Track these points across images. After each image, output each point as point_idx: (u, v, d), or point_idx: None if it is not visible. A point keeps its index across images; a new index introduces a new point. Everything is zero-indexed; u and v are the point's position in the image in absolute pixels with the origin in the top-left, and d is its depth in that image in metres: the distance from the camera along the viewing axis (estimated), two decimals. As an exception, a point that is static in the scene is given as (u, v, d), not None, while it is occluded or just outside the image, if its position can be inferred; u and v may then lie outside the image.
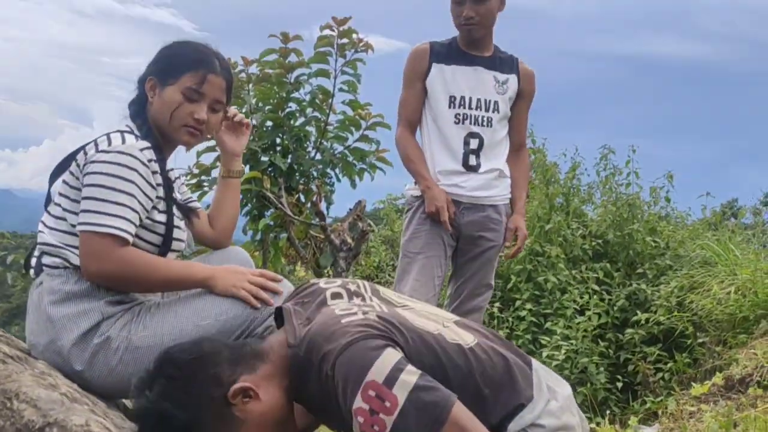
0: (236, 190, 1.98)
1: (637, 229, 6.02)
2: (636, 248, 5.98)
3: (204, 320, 1.61)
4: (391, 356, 1.29)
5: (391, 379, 1.25)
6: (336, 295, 1.48)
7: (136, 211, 1.60)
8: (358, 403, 1.25)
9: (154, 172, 1.66)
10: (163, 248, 1.70)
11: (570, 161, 6.88)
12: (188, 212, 1.82)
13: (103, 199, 1.57)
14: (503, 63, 2.60)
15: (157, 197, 1.68)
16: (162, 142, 1.76)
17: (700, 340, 4.53)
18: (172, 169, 1.84)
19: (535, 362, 1.53)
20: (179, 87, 1.72)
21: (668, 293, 5.19)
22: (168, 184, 1.72)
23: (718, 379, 3.01)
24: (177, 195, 1.82)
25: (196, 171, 4.56)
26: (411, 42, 2.69)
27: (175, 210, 1.73)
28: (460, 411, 1.28)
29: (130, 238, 1.59)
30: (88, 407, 1.12)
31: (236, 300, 1.63)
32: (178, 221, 1.74)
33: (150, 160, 1.66)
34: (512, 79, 2.59)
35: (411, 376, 1.27)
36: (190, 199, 1.94)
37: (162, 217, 1.69)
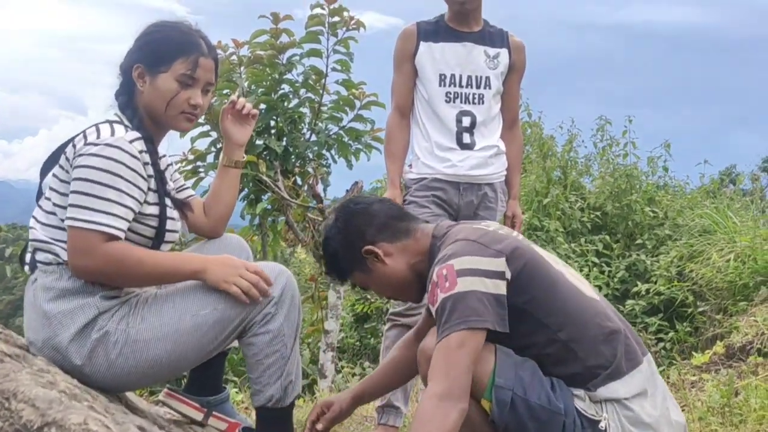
0: (235, 179, 1.95)
1: (636, 200, 6.02)
2: (635, 219, 5.99)
3: (203, 309, 1.60)
4: (483, 262, 1.47)
5: (464, 273, 1.45)
6: (487, 224, 1.67)
7: (126, 206, 1.57)
8: (433, 275, 1.51)
9: (145, 164, 1.64)
10: (156, 241, 1.68)
11: (567, 134, 6.87)
12: (182, 206, 1.80)
13: (89, 193, 1.54)
14: (493, 37, 2.55)
15: (149, 189, 1.65)
16: (153, 130, 1.74)
17: (700, 309, 4.54)
18: (164, 156, 1.81)
19: (650, 358, 1.58)
20: (172, 74, 1.68)
21: (668, 263, 5.21)
22: (160, 176, 1.70)
23: (719, 347, 3.02)
24: (170, 184, 1.79)
25: (191, 157, 4.53)
26: (405, 18, 2.65)
27: (167, 201, 1.71)
28: (474, 339, 1.41)
29: (119, 234, 1.57)
30: (87, 403, 1.12)
31: None
32: (171, 212, 1.72)
33: (141, 152, 1.63)
34: (503, 53, 2.54)
35: (480, 284, 1.44)
36: (182, 187, 1.91)
37: (154, 210, 1.66)
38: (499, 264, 1.47)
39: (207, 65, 1.73)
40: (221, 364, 1.88)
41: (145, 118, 1.72)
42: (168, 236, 1.70)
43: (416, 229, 1.71)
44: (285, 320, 1.66)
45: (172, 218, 1.72)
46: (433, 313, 1.48)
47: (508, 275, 1.48)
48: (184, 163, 4.49)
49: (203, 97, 1.74)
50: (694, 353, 3.26)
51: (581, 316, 1.51)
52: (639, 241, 5.84)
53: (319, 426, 1.80)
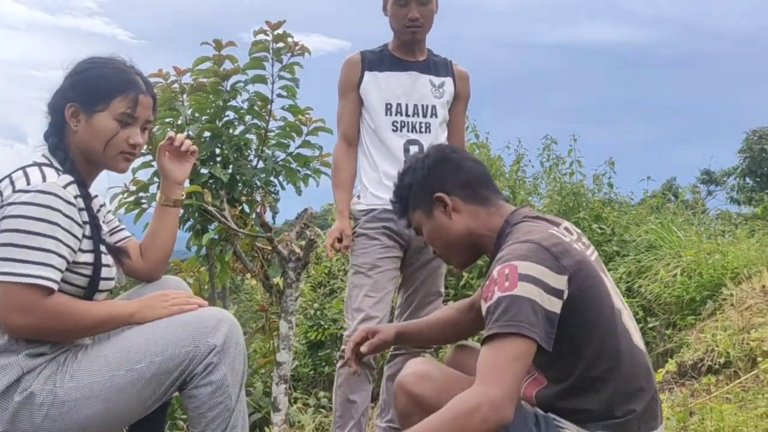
0: (174, 219, 1.86)
1: (584, 218, 6.10)
2: (583, 236, 6.06)
3: (138, 364, 1.50)
4: (548, 275, 1.39)
5: (527, 279, 1.38)
6: (567, 230, 1.59)
7: (62, 256, 1.48)
8: (493, 271, 1.44)
9: (80, 210, 1.54)
10: (90, 290, 1.58)
11: (514, 153, 6.95)
12: (118, 252, 1.71)
13: (24, 245, 1.44)
14: (438, 66, 2.54)
15: (83, 236, 1.56)
16: (86, 172, 1.64)
17: (650, 325, 4.60)
18: (95, 197, 1.71)
19: (663, 429, 1.56)
20: (111, 113, 1.61)
21: (617, 279, 5.27)
22: (95, 222, 1.60)
23: (671, 366, 3.04)
24: (104, 228, 1.69)
25: (133, 188, 4.38)
26: (352, 41, 2.59)
27: (102, 248, 1.61)
28: (522, 346, 1.34)
29: (56, 287, 1.47)
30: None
31: (171, 338, 1.53)
32: (106, 259, 1.62)
33: (76, 197, 1.54)
34: (448, 81, 2.53)
35: (540, 296, 1.37)
36: (116, 228, 1.82)
37: (88, 257, 1.56)
38: (561, 282, 1.42)
39: (146, 103, 1.67)
40: (162, 416, 1.78)
41: (78, 160, 1.63)
42: (102, 285, 1.60)
43: (495, 203, 1.68)
44: (229, 370, 1.57)
45: (108, 265, 1.62)
46: (484, 310, 1.43)
47: (566, 295, 1.42)
48: (126, 195, 4.34)
49: (142, 135, 1.67)
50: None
51: (620, 360, 1.45)
52: (588, 258, 5.90)
53: (364, 348, 1.81)
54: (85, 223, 1.56)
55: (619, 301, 1.53)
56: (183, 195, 1.89)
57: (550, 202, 6.29)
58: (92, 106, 1.60)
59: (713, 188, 14.42)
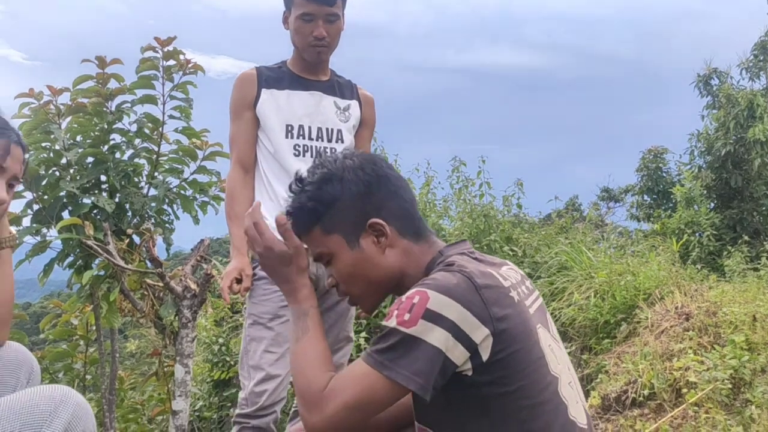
0: (6, 266, 1.50)
1: (495, 240, 6.03)
2: (495, 259, 5.98)
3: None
4: (465, 318, 1.15)
5: (433, 317, 1.15)
6: (509, 272, 1.33)
7: None
8: (412, 289, 1.20)
9: None
10: None
11: (423, 176, 6.83)
12: None
13: None
14: (342, 88, 2.30)
15: None
16: None
17: (567, 350, 4.51)
18: None
19: None
20: None
21: (531, 303, 5.19)
22: None
23: (594, 399, 2.91)
24: None
25: (2, 221, 3.86)
26: (260, 63, 2.27)
27: None
28: (388, 391, 1.16)
29: None
30: None
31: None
32: None
33: None
34: (354, 105, 2.29)
35: (443, 340, 1.14)
36: None
37: None
38: (479, 334, 1.15)
39: (17, 154, 1.40)
40: None
41: None
42: None
43: (428, 238, 1.38)
44: (72, 470, 1.24)
45: None
46: (381, 325, 1.21)
47: (484, 356, 1.16)
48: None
49: (8, 192, 1.36)
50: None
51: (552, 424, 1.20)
52: (502, 281, 5.82)
53: None
54: None
55: (558, 363, 1.27)
56: (11, 232, 1.53)
57: (462, 224, 6.19)
58: None
59: (612, 205, 14.97)
